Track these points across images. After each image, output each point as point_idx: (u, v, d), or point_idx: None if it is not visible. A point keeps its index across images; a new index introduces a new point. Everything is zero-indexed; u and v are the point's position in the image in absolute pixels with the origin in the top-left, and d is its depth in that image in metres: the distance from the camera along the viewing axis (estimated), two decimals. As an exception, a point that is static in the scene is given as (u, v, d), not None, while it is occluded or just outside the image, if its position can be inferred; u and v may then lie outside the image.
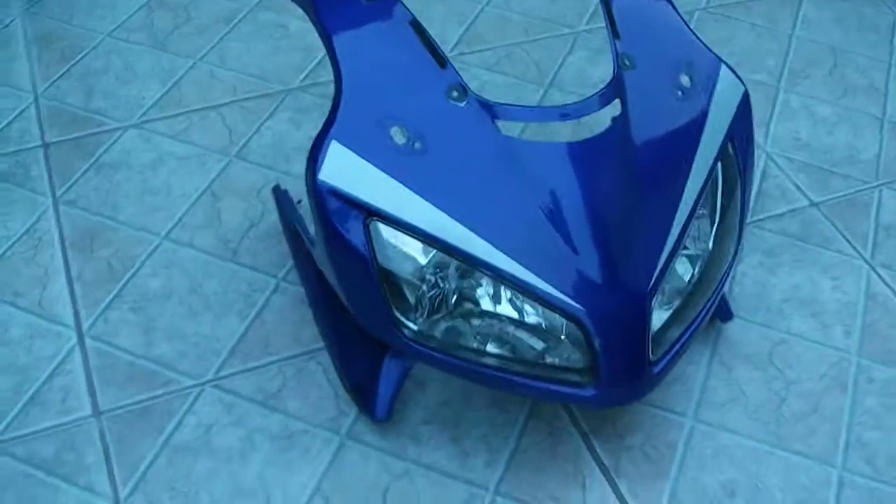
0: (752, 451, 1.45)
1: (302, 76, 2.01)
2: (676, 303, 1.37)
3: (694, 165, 1.34)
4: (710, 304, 1.38)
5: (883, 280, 1.69)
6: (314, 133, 1.27)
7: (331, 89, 1.46)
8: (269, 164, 1.82)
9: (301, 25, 2.12)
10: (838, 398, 1.52)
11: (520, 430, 1.46)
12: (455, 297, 1.31)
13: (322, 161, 1.25)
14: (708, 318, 1.38)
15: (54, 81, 1.97)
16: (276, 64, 2.04)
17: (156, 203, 1.75)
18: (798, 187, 1.83)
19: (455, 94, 1.29)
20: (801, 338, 1.60)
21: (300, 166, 1.34)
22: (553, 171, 1.28)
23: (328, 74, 1.92)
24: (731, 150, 1.40)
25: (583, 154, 1.30)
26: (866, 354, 1.58)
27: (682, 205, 1.31)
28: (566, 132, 1.82)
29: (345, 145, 1.25)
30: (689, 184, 1.33)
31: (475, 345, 1.30)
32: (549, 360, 1.30)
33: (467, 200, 1.25)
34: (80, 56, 2.03)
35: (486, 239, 1.24)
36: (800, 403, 1.51)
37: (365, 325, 1.35)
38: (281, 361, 1.53)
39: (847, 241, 1.74)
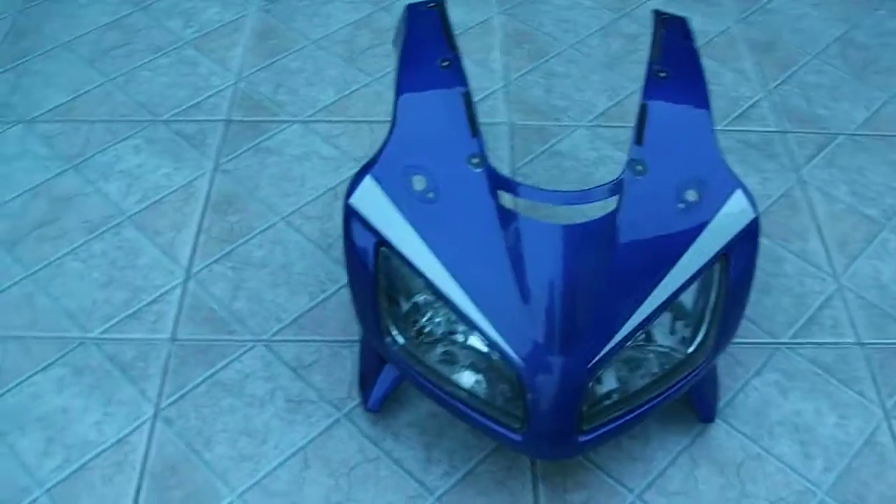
0: (677, 541, 1.58)
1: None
2: (634, 388, 1.54)
3: (671, 272, 1.48)
4: (663, 398, 1.53)
5: (892, 431, 1.72)
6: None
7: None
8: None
9: (470, 69, 2.40)
10: (786, 523, 1.61)
11: (483, 456, 1.67)
12: (439, 324, 1.56)
13: (356, 189, 1.54)
14: (655, 410, 1.53)
15: (255, 71, 2.39)
16: (435, 96, 2.34)
17: (288, 189, 2.11)
18: (852, 323, 1.88)
19: (475, 160, 1.52)
20: (778, 459, 1.68)
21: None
22: (535, 244, 1.49)
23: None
24: (723, 267, 1.53)
25: (567, 237, 1.50)
26: (834, 493, 1.64)
27: (646, 303, 1.47)
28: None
29: (376, 181, 1.53)
30: (660, 287, 1.48)
31: (443, 370, 1.54)
32: (496, 400, 1.51)
33: (455, 250, 1.49)
34: (283, 55, 2.44)
35: (460, 285, 1.47)
36: (745, 516, 1.61)
37: (363, 328, 1.62)
38: (323, 342, 1.83)
39: (875, 385, 1.79)
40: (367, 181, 1.54)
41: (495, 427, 1.50)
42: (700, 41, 2.48)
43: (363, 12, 2.58)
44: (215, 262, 1.97)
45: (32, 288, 1.91)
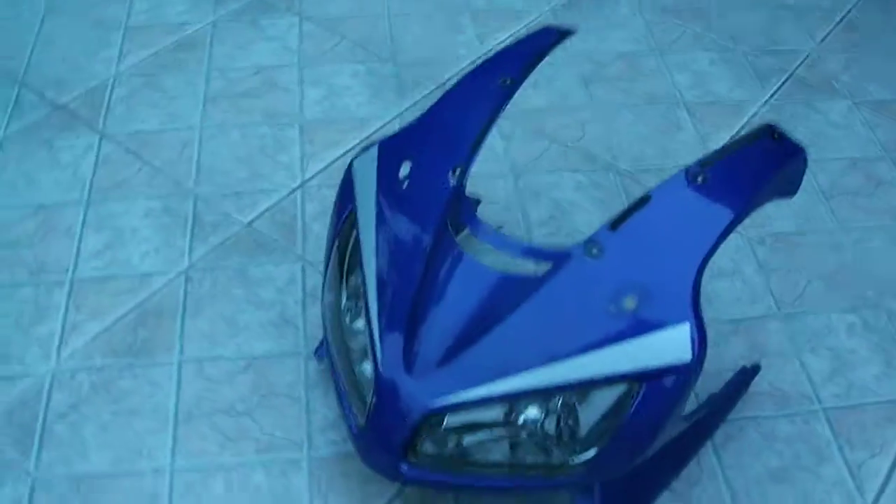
0: None
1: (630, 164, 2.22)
2: (488, 458, 1.47)
3: (560, 364, 1.37)
4: (511, 485, 1.45)
5: None
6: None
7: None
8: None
9: (673, 122, 2.29)
10: None
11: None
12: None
13: (362, 154, 1.62)
14: (502, 493, 1.47)
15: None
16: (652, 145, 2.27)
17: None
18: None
19: (456, 172, 1.52)
20: None
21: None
22: (451, 271, 1.47)
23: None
24: (633, 394, 1.38)
25: (481, 279, 1.46)
26: None
27: (520, 378, 1.38)
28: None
29: (379, 154, 1.60)
30: (542, 370, 1.38)
31: (347, 343, 1.58)
32: (361, 389, 1.53)
33: (389, 242, 1.51)
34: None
35: (376, 276, 1.50)
36: None
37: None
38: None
39: None
40: (373, 150, 1.61)
41: (347, 410, 1.52)
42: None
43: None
44: (328, 186, 2.13)
45: (192, 137, 2.23)
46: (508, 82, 1.61)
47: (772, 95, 2.42)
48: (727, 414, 1.75)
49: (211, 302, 1.90)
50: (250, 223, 2.05)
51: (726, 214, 1.44)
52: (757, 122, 2.35)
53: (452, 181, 1.52)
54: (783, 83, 2.46)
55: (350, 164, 1.62)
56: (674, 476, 1.67)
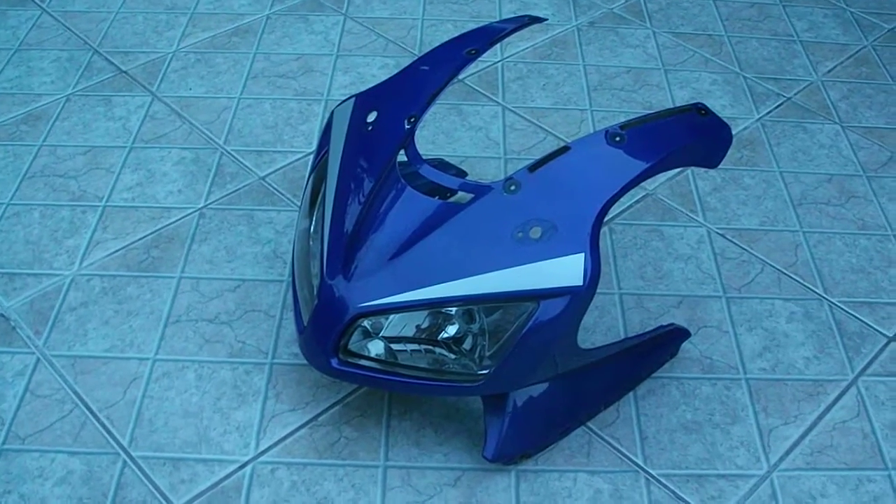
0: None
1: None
2: (405, 360, 1.69)
3: (471, 279, 1.58)
4: (421, 386, 1.66)
5: None
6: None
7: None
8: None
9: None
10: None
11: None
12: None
13: (343, 103, 1.88)
14: (414, 392, 1.67)
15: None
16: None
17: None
18: (728, 504, 1.73)
19: (411, 119, 1.77)
20: (519, 531, 1.67)
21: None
22: (389, 196, 1.70)
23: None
24: (529, 313, 1.58)
25: (421, 208, 1.67)
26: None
27: (436, 288, 1.60)
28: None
29: (356, 104, 1.86)
30: (455, 283, 1.59)
31: (304, 262, 1.82)
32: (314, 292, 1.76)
33: (350, 178, 1.76)
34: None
35: (333, 201, 1.75)
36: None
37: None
38: (335, 236, 2.19)
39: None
40: (351, 100, 1.87)
41: (298, 315, 1.76)
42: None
43: None
44: (339, 153, 2.40)
45: (229, 105, 2.53)
46: (473, 52, 1.85)
47: (764, 115, 2.59)
48: (650, 369, 1.92)
49: (217, 234, 2.17)
50: (264, 177, 2.32)
51: (634, 167, 1.62)
52: (746, 135, 2.52)
53: (407, 126, 1.76)
54: (778, 106, 2.62)
55: (332, 113, 1.88)
56: (586, 416, 1.84)
